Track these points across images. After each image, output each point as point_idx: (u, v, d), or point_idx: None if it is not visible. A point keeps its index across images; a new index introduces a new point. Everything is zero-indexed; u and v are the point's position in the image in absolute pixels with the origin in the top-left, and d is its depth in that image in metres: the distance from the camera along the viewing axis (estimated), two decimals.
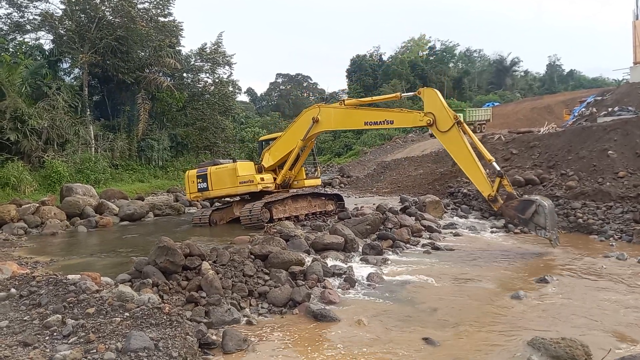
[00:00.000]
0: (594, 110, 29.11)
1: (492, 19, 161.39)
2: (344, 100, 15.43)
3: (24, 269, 8.73)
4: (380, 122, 14.14)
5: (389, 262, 11.59)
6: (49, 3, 31.34)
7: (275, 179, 16.12)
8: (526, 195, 12.81)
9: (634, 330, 7.21)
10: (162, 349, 5.47)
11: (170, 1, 34.26)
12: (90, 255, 11.59)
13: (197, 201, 19.17)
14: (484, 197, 13.08)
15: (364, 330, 7.41)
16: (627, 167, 17.01)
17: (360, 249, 12.36)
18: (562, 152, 19.72)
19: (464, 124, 13.20)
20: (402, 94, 14.36)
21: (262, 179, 15.54)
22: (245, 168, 15.71)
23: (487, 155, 13.08)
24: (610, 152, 17.92)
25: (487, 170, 13.30)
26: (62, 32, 31.12)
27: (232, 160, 16.54)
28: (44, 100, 26.05)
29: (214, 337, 6.88)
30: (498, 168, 12.80)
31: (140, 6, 32.56)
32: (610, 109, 26.89)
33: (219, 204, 17.44)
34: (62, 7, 30.78)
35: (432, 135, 25.65)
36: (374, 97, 15.88)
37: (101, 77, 33.78)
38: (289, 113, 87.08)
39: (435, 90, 13.79)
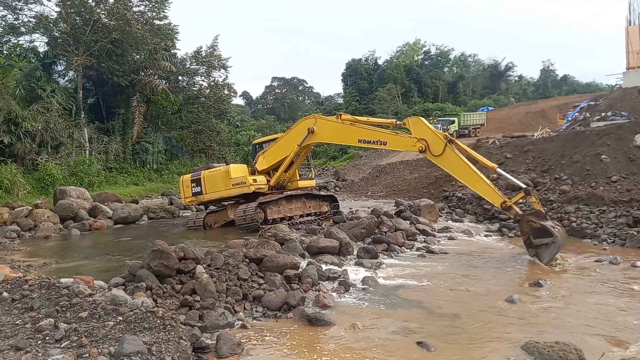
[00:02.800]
0: (588, 115, 29.35)
1: (486, 24, 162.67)
2: (340, 114, 15.40)
3: (17, 273, 8.65)
4: (374, 141, 14.25)
5: (384, 265, 11.60)
6: (44, 5, 31.13)
7: (268, 181, 16.13)
8: (551, 223, 12.19)
9: (627, 334, 7.26)
10: (156, 353, 5.45)
11: (166, 4, 34.24)
12: (83, 258, 11.52)
13: (193, 205, 19.13)
14: (497, 206, 12.69)
15: (358, 334, 7.40)
16: (620, 172, 17.16)
17: (355, 253, 12.36)
18: (556, 156, 19.84)
19: (456, 141, 13.12)
20: (397, 122, 14.61)
21: (255, 180, 15.55)
22: (238, 170, 15.74)
23: (488, 163, 12.97)
24: (603, 156, 18.06)
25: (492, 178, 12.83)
26: (56, 34, 30.94)
27: (225, 164, 16.55)
28: (38, 103, 25.87)
29: (208, 341, 6.86)
30: (523, 185, 12.58)
31: (135, 9, 32.49)
32: (603, 114, 27.10)
33: (214, 208, 17.42)
34: (57, 9, 30.64)
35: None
36: (370, 119, 16.22)
37: (96, 79, 33.65)
38: (284, 116, 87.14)
39: (420, 117, 14.19)
